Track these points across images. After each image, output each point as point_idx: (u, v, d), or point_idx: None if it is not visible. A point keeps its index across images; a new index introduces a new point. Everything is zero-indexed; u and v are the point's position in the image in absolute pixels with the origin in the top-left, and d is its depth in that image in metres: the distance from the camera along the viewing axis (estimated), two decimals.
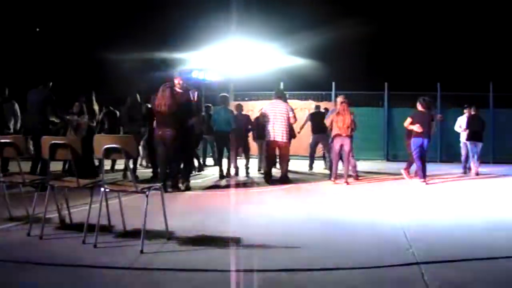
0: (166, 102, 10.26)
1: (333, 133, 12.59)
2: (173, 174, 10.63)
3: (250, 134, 15.10)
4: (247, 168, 14.40)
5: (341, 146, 12.48)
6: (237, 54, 23.10)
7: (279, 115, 12.23)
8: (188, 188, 10.92)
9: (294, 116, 12.49)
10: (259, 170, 15.25)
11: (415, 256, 5.46)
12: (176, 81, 10.65)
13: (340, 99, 13.06)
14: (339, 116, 12.49)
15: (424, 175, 12.50)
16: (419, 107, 12.77)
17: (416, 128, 12.50)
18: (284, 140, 12.28)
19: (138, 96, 13.18)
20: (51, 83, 11.38)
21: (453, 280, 4.78)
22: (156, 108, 10.47)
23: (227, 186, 12.15)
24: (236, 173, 14.08)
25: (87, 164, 12.16)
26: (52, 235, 6.33)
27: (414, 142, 12.53)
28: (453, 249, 5.83)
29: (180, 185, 10.83)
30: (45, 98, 11.07)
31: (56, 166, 12.05)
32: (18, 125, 12.47)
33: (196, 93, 11.09)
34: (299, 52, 26.40)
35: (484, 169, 15.50)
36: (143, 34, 27.43)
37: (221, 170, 13.61)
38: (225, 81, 22.75)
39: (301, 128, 16.19)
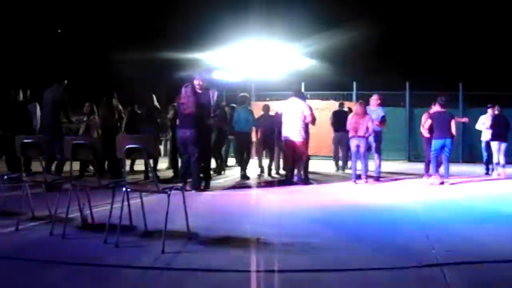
0: (187, 102, 10.32)
1: (350, 134, 12.57)
2: (194, 173, 10.63)
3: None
4: (270, 169, 14.32)
5: (358, 146, 12.46)
6: (258, 55, 23.13)
7: (294, 114, 12.03)
8: (207, 187, 10.96)
9: (312, 115, 12.30)
10: (277, 172, 15.03)
11: (437, 257, 5.41)
12: (196, 82, 10.66)
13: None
14: (354, 116, 12.46)
15: (440, 175, 12.45)
16: (438, 107, 12.71)
17: (425, 132, 12.82)
18: (300, 139, 12.03)
19: (154, 97, 13.17)
20: (66, 81, 11.30)
21: (476, 282, 4.74)
22: (178, 109, 10.57)
23: (249, 186, 12.14)
24: (261, 172, 14.04)
25: (113, 164, 12.25)
26: (74, 235, 6.38)
27: (435, 144, 12.47)
28: (476, 251, 5.76)
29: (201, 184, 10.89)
30: (57, 97, 10.98)
31: (75, 166, 12.11)
32: (38, 125, 12.55)
33: (215, 93, 11.05)
34: (320, 52, 26.38)
35: (508, 169, 15.30)
36: (164, 34, 27.55)
37: (242, 170, 13.59)
38: (246, 81, 22.80)
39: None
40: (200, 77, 10.78)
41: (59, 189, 6.77)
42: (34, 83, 12.58)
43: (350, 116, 12.78)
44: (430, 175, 13.10)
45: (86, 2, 28.03)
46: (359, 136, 12.38)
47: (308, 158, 13.17)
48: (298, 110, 12.04)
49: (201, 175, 10.90)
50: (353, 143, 12.56)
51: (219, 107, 11.39)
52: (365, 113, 12.48)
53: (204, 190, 10.75)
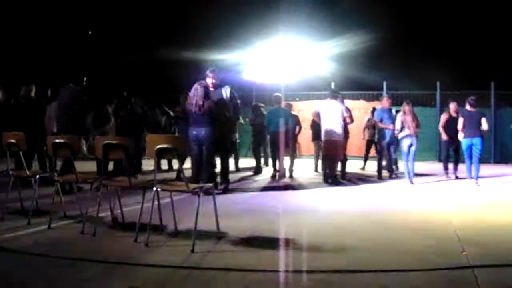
0: (199, 101, 10.16)
1: (403, 133, 12.51)
2: (206, 174, 10.24)
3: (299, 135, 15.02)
4: (291, 170, 14.15)
5: (409, 146, 12.46)
6: (288, 54, 23.08)
7: (334, 115, 12.18)
8: (226, 190, 10.72)
9: (351, 117, 12.45)
10: (315, 170, 15.28)
11: (468, 259, 5.35)
12: (209, 80, 10.52)
13: (405, 105, 13.02)
14: (407, 116, 12.43)
15: (471, 175, 12.51)
16: (467, 106, 12.71)
17: (443, 134, 13.17)
18: (340, 139, 12.20)
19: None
20: (84, 82, 11.04)
21: (508, 285, 4.67)
22: (189, 107, 10.33)
23: (279, 187, 12.11)
24: (284, 174, 13.99)
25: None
26: (104, 233, 6.45)
27: (463, 144, 12.61)
28: (508, 253, 5.69)
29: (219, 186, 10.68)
30: (75, 97, 10.67)
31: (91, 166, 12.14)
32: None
33: (228, 90, 10.90)
34: (350, 52, 26.25)
35: None
36: (194, 35, 27.64)
37: (274, 171, 13.53)
38: (276, 81, 22.77)
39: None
40: (212, 74, 10.63)
41: (90, 189, 6.85)
42: (58, 82, 12.49)
43: (399, 116, 12.76)
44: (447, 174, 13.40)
45: (113, 5, 28.27)
46: (414, 136, 12.49)
47: (345, 159, 13.19)
48: (338, 111, 12.21)
49: (217, 177, 10.83)
50: (406, 143, 12.58)
51: (234, 102, 11.23)
52: (413, 111, 12.52)
53: (223, 193, 10.48)
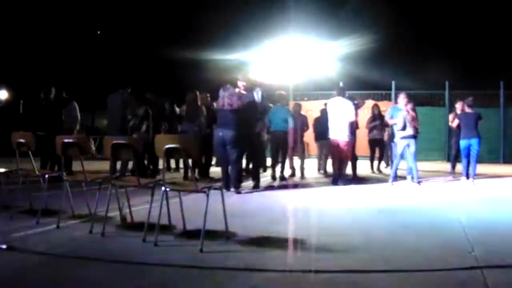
0: (228, 102, 10.26)
1: (403, 133, 12.36)
2: (234, 173, 10.49)
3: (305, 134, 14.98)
4: (302, 169, 14.20)
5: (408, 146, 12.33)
6: (296, 54, 23.09)
7: (340, 113, 12.03)
8: (256, 187, 11.22)
9: (361, 107, 12.59)
10: (319, 170, 15.27)
11: (477, 259, 5.32)
12: (240, 84, 10.70)
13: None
14: (409, 115, 12.30)
15: (467, 174, 12.81)
16: (465, 107, 13.02)
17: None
18: (346, 139, 12.03)
19: (198, 95, 12.89)
20: (130, 88, 12.09)
21: None
22: (218, 107, 10.51)
23: (286, 187, 12.10)
24: (293, 174, 13.98)
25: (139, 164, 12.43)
26: (113, 233, 6.46)
27: (461, 144, 12.84)
28: None
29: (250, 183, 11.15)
30: (124, 101, 11.80)
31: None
32: (78, 125, 12.70)
33: (260, 92, 11.05)
34: (358, 52, 26.23)
35: None
36: (201, 33, 27.66)
37: (273, 171, 13.44)
38: (284, 81, 22.77)
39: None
40: (243, 78, 10.80)
41: (99, 188, 6.87)
42: (69, 83, 12.83)
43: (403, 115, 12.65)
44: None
45: (123, 5, 28.34)
46: (412, 136, 12.35)
47: (356, 157, 13.14)
48: (344, 109, 12.07)
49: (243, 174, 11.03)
50: (404, 143, 12.43)
51: (264, 106, 11.49)
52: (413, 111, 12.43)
53: (252, 190, 11.01)
